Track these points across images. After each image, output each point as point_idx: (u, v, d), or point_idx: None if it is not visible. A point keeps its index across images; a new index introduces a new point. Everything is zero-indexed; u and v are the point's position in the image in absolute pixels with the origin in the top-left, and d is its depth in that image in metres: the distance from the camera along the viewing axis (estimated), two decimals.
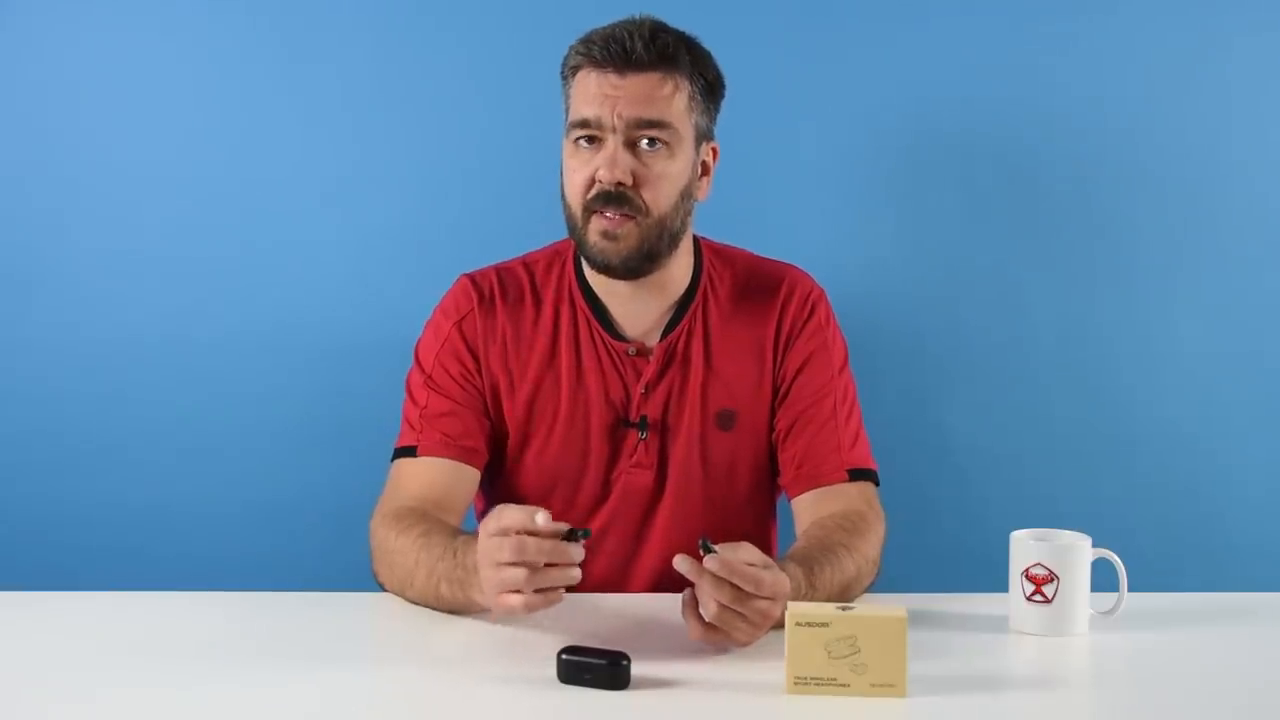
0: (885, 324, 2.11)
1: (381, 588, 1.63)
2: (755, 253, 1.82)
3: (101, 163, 2.10)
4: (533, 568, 1.34)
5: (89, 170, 2.10)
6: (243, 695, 1.31)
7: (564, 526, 1.36)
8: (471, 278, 1.77)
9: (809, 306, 1.76)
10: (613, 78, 1.64)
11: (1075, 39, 2.10)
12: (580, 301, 1.74)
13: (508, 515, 1.37)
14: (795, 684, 1.30)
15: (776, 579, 1.39)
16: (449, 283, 1.78)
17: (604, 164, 1.63)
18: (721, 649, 1.40)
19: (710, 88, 1.70)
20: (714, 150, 1.74)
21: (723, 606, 1.36)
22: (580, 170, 1.65)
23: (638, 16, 1.68)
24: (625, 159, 1.63)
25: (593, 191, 1.64)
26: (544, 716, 1.28)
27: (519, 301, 1.75)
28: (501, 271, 1.78)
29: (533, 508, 1.36)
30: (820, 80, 2.10)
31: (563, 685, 1.31)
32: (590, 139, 1.65)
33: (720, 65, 1.72)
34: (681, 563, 1.36)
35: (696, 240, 1.78)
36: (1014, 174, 2.13)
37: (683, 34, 1.69)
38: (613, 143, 1.63)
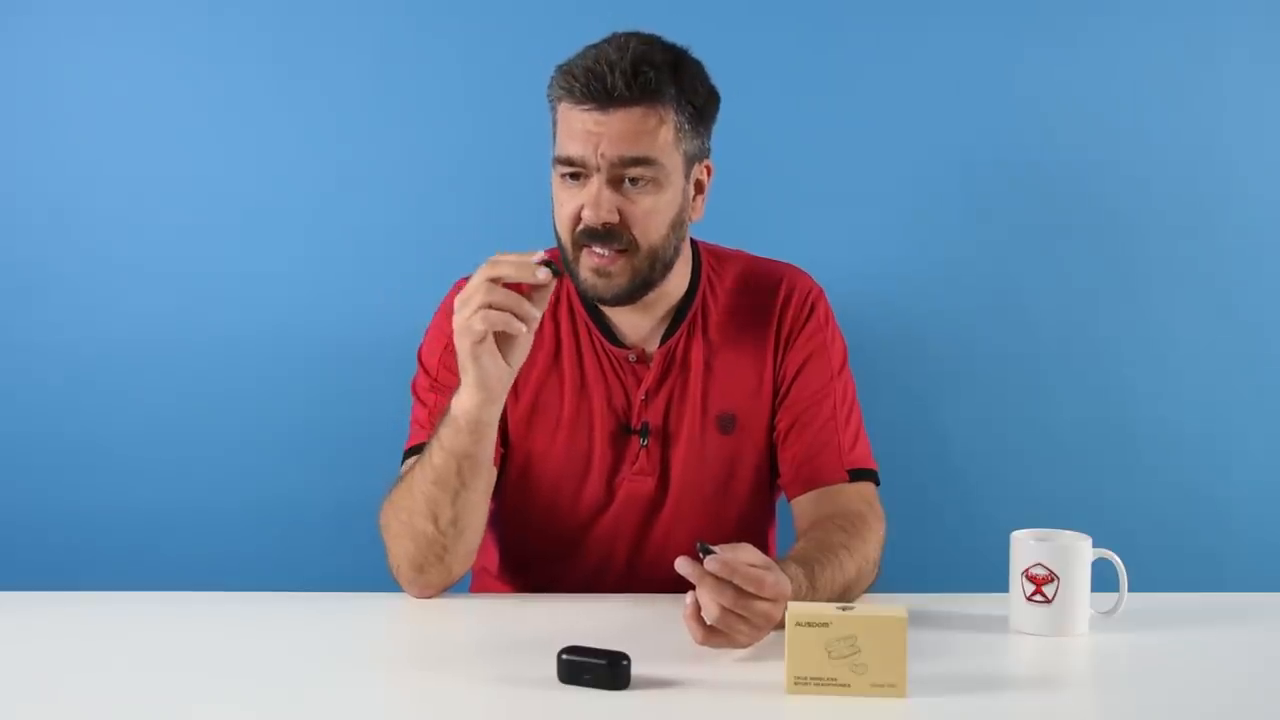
0: (886, 324, 2.11)
1: (395, 576, 1.62)
2: (753, 253, 1.82)
3: (100, 166, 2.10)
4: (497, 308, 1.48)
5: (88, 173, 2.10)
6: (242, 696, 1.31)
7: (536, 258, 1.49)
8: None
9: (808, 306, 1.76)
10: (595, 115, 1.58)
11: (1077, 43, 2.10)
12: (579, 308, 1.73)
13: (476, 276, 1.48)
14: (795, 684, 1.30)
15: (778, 580, 1.39)
16: (447, 284, 1.77)
17: (588, 204, 1.60)
18: (723, 650, 1.40)
19: (699, 112, 1.64)
20: (708, 169, 1.70)
21: (724, 609, 1.36)
22: (567, 204, 1.63)
23: (623, 38, 1.61)
24: (609, 198, 1.60)
25: (580, 227, 1.62)
26: (544, 716, 1.28)
27: None
28: None
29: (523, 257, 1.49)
30: (821, 83, 2.10)
31: (563, 685, 1.31)
32: (575, 175, 1.63)
33: (712, 76, 1.67)
34: (683, 565, 1.36)
35: (694, 244, 1.77)
36: (1014, 175, 2.13)
37: (670, 55, 1.62)
38: (596, 182, 1.60)
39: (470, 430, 1.53)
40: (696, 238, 1.78)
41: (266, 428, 2.12)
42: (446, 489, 1.55)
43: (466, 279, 1.76)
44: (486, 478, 1.59)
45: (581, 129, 1.59)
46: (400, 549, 1.59)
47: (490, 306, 1.47)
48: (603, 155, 1.59)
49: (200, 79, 2.10)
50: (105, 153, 2.10)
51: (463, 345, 1.50)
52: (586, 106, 1.59)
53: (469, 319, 1.48)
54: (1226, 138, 2.12)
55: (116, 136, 2.10)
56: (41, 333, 2.11)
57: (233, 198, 2.11)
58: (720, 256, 1.80)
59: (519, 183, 2.05)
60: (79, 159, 2.10)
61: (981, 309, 2.13)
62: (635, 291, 1.65)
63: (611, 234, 1.61)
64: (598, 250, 1.62)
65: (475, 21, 2.09)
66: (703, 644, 1.39)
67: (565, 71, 1.61)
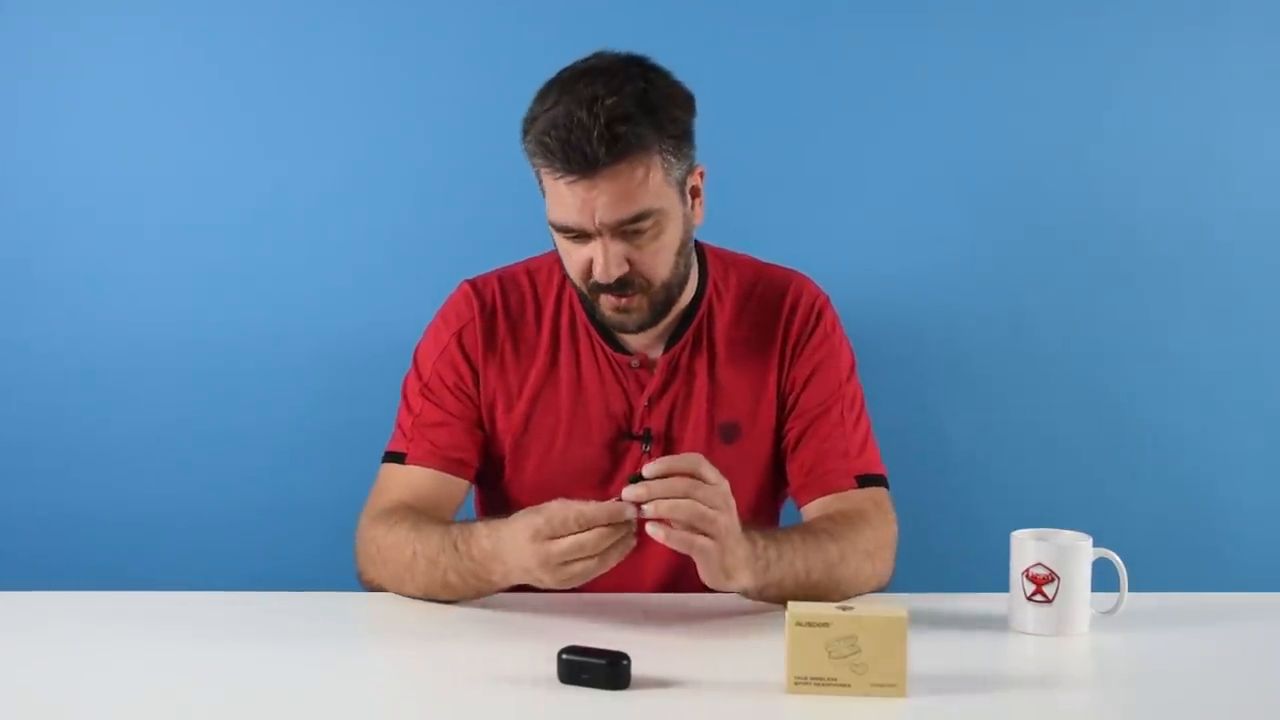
0: (886, 325, 2.11)
1: (366, 589, 1.64)
2: (759, 259, 1.81)
3: (99, 165, 2.10)
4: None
5: (87, 173, 2.10)
6: (243, 696, 1.31)
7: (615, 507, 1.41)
8: (473, 284, 1.76)
9: (815, 314, 1.75)
10: (582, 185, 1.55)
11: (1077, 43, 2.10)
12: (580, 314, 1.73)
13: (548, 517, 1.43)
14: (795, 684, 1.30)
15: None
16: (449, 287, 1.78)
17: (597, 265, 1.60)
18: (723, 650, 1.40)
19: (680, 138, 1.60)
20: (700, 174, 1.68)
21: (676, 504, 1.41)
22: (574, 254, 1.62)
23: (586, 91, 1.53)
24: (617, 254, 1.59)
25: (592, 279, 1.62)
26: (544, 716, 1.28)
27: (520, 311, 1.74)
28: (504, 278, 1.76)
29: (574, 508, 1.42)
30: (821, 86, 2.10)
31: (563, 685, 1.31)
32: (576, 236, 1.61)
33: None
34: (630, 492, 1.41)
35: (701, 248, 1.76)
36: (1014, 177, 2.13)
37: (636, 93, 1.55)
38: (599, 245, 1.59)
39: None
40: (702, 240, 1.78)
41: (266, 428, 2.12)
42: (460, 595, 1.56)
43: (469, 283, 1.76)
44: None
45: (573, 201, 1.57)
46: (393, 587, 1.61)
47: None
48: (601, 222, 1.57)
49: (201, 78, 2.10)
50: (105, 152, 2.10)
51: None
52: (571, 178, 1.55)
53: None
54: (1224, 141, 2.11)
55: (116, 136, 2.10)
56: (41, 333, 2.11)
57: (233, 197, 2.11)
58: (727, 262, 1.78)
59: (521, 184, 2.04)
60: (78, 159, 2.10)
61: (981, 310, 2.13)
62: (658, 318, 1.67)
63: (624, 283, 1.61)
64: (613, 297, 1.63)
65: (477, 22, 2.09)
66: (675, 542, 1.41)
67: (539, 140, 1.56)
